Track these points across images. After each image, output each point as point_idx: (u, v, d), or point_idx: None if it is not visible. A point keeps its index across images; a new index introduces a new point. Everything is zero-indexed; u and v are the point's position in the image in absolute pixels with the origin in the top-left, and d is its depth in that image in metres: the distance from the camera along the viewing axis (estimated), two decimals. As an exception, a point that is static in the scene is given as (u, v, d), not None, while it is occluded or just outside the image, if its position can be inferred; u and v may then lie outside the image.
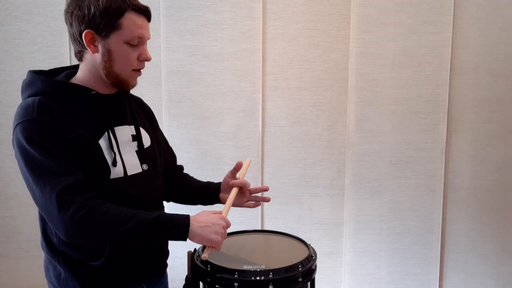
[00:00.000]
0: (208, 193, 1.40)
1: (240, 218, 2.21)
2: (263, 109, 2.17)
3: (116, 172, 1.10)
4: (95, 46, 1.07)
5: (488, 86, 2.17)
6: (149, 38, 1.12)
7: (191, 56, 2.13)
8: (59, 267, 1.11)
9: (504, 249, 2.26)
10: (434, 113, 2.17)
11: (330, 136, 2.19)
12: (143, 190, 1.16)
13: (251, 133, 2.17)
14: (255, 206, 1.38)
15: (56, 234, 1.08)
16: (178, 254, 1.88)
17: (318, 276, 1.27)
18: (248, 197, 1.36)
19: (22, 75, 2.18)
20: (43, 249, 1.15)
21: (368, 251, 2.26)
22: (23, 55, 2.09)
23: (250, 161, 1.39)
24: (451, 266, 2.28)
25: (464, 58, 2.15)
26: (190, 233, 1.06)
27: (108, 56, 1.08)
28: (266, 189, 1.39)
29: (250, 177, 2.16)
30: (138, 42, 1.09)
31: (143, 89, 1.94)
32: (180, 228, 1.06)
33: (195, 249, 1.27)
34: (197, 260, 1.20)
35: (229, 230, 1.44)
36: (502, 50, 2.14)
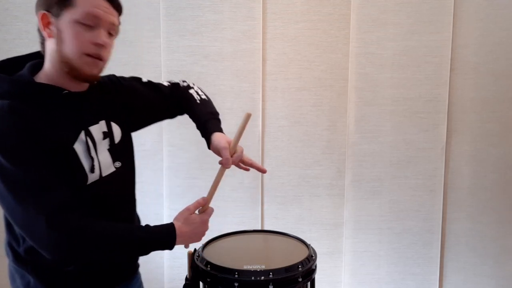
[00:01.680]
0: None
1: (240, 218, 2.21)
2: (263, 109, 2.17)
3: (93, 176, 1.05)
4: (50, 30, 1.00)
5: (488, 86, 2.17)
6: (113, 24, 1.04)
7: (191, 56, 2.13)
8: (27, 275, 1.06)
9: (504, 249, 2.26)
10: (434, 113, 2.17)
11: (330, 136, 2.19)
12: (117, 189, 1.13)
13: (251, 133, 2.17)
14: (245, 169, 1.29)
15: (22, 243, 1.03)
16: (178, 254, 1.88)
17: (318, 276, 1.27)
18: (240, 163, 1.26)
19: (22, 75, 2.15)
20: (8, 257, 1.09)
21: (368, 251, 2.26)
22: (23, 55, 2.09)
23: (250, 115, 1.17)
24: (451, 266, 2.28)
25: (464, 58, 2.15)
26: (176, 243, 1.07)
27: (59, 37, 0.99)
28: (263, 171, 1.32)
29: (250, 177, 2.16)
30: (93, 23, 0.99)
31: (143, 89, 1.93)
32: (166, 245, 1.06)
33: (195, 249, 1.27)
34: (197, 260, 1.20)
35: (229, 230, 1.45)
36: (502, 50, 2.14)
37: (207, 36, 2.12)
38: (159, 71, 2.13)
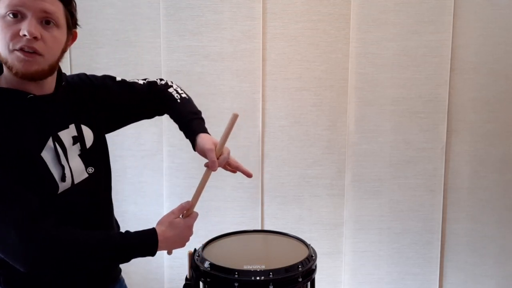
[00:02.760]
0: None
1: (240, 218, 2.21)
2: (263, 109, 2.17)
3: (64, 185, 0.98)
4: None
5: (488, 86, 2.17)
6: (46, 11, 0.90)
7: (191, 56, 2.13)
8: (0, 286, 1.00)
9: (504, 249, 2.26)
10: (434, 113, 2.17)
11: (330, 136, 2.19)
12: (91, 196, 1.07)
13: (251, 133, 2.17)
14: (232, 171, 1.24)
15: None
16: (178, 254, 1.88)
17: (318, 276, 1.27)
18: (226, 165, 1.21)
19: (22, 75, 2.15)
20: None
21: (368, 251, 2.26)
22: (23, 55, 2.09)
23: (237, 116, 1.10)
24: (451, 266, 2.28)
25: (464, 58, 2.15)
26: (159, 249, 1.03)
27: None
28: (249, 175, 1.23)
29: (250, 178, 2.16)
30: (18, 13, 0.88)
31: (143, 89, 1.93)
32: (147, 252, 1.01)
33: (195, 249, 1.27)
34: (197, 260, 1.20)
35: (229, 230, 1.45)
36: (502, 50, 2.14)
37: (207, 36, 2.12)
38: (159, 71, 2.13)
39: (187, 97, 1.28)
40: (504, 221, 2.24)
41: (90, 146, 1.07)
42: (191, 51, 2.13)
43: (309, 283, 1.21)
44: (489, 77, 2.16)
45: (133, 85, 1.22)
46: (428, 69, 2.15)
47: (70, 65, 2.07)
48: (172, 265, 2.22)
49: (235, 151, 2.17)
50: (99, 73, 1.21)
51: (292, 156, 2.20)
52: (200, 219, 1.88)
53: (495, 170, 2.21)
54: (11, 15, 0.88)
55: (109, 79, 1.20)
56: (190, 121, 1.19)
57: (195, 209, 1.15)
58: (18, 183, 0.88)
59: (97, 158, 1.09)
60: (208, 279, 1.15)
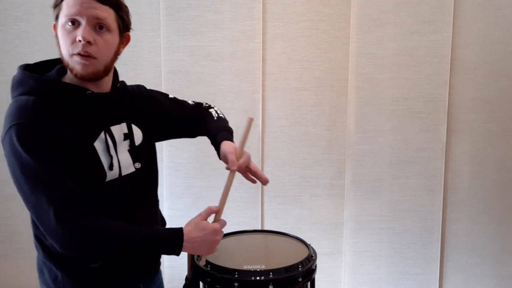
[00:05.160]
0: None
1: (240, 218, 2.21)
2: (263, 109, 2.17)
3: (112, 174, 1.08)
4: (56, 37, 1.04)
5: (488, 86, 2.17)
6: (98, 18, 1.01)
7: (191, 56, 2.13)
8: (55, 269, 1.10)
9: (504, 249, 2.26)
10: (434, 113, 2.17)
11: (330, 136, 2.19)
12: (136, 189, 1.15)
13: (251, 133, 2.16)
14: (251, 180, 1.28)
15: None
16: (178, 254, 1.88)
17: (318, 276, 1.27)
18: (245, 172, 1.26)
19: (22, 75, 2.15)
20: (37, 251, 1.14)
21: (368, 251, 2.26)
22: (23, 55, 2.09)
23: (252, 120, 1.21)
24: (451, 266, 2.28)
25: (464, 58, 2.15)
26: (184, 249, 1.06)
27: (57, 43, 1.04)
28: (264, 182, 1.27)
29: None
30: (75, 21, 1.00)
31: (143, 89, 1.93)
32: (172, 250, 1.05)
33: (195, 249, 1.27)
34: (197, 260, 1.20)
35: (229, 230, 1.45)
36: (502, 50, 2.14)
37: (207, 36, 2.12)
38: (159, 71, 2.13)
39: (223, 117, 1.38)
40: (504, 221, 2.25)
41: (139, 144, 1.18)
42: (191, 51, 2.13)
43: (309, 283, 1.21)
44: (489, 77, 2.16)
45: (183, 103, 1.35)
46: (428, 69, 2.15)
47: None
48: (172, 265, 2.22)
49: (235, 151, 2.18)
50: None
51: (292, 156, 2.20)
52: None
53: (495, 170, 2.21)
54: (69, 23, 1.00)
55: (163, 95, 1.33)
56: (218, 132, 1.28)
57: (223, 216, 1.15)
58: (64, 170, 0.99)
59: (145, 156, 1.19)
60: (208, 279, 1.15)
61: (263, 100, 2.17)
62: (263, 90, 2.16)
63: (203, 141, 2.17)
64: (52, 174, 0.97)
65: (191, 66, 2.14)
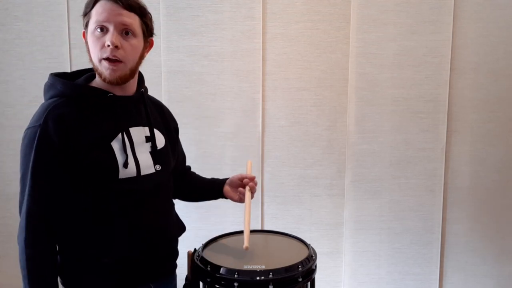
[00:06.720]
0: (213, 190, 1.43)
1: (240, 218, 2.20)
2: (263, 109, 2.17)
3: (127, 172, 1.13)
4: (86, 44, 1.13)
5: (488, 86, 2.17)
6: (124, 24, 1.09)
7: (191, 56, 2.13)
8: (66, 263, 1.15)
9: (504, 249, 2.26)
10: (434, 113, 2.17)
11: (330, 136, 2.19)
12: (154, 189, 1.20)
13: (251, 133, 2.17)
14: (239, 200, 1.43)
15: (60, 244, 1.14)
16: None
17: (318, 276, 1.27)
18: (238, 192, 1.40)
19: (22, 75, 2.18)
20: None
21: (368, 251, 2.26)
22: (23, 55, 2.09)
23: (251, 163, 1.41)
24: (451, 266, 2.28)
25: (464, 58, 2.15)
26: None
27: (87, 49, 1.12)
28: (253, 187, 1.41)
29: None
30: (103, 28, 1.08)
31: (143, 89, 1.93)
32: None
33: (195, 249, 1.27)
34: (197, 260, 1.20)
35: (229, 230, 1.45)
36: (502, 50, 2.14)
37: (207, 36, 2.12)
38: (159, 71, 2.13)
39: None
40: (504, 221, 2.24)
41: (161, 148, 1.24)
42: (191, 51, 2.13)
43: (309, 283, 1.21)
44: (489, 77, 2.16)
45: (180, 145, 1.43)
46: (428, 69, 2.15)
47: (70, 65, 2.07)
48: (172, 265, 2.22)
49: (235, 151, 2.18)
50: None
51: (292, 156, 2.20)
52: (200, 219, 1.90)
53: (495, 170, 2.21)
54: (98, 30, 1.07)
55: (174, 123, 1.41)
56: (212, 178, 1.44)
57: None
58: (55, 184, 1.07)
59: (165, 159, 1.25)
60: (208, 279, 1.15)
61: (263, 100, 2.17)
62: (263, 90, 2.16)
63: (203, 141, 2.16)
64: (43, 184, 1.06)
65: (191, 66, 2.14)
